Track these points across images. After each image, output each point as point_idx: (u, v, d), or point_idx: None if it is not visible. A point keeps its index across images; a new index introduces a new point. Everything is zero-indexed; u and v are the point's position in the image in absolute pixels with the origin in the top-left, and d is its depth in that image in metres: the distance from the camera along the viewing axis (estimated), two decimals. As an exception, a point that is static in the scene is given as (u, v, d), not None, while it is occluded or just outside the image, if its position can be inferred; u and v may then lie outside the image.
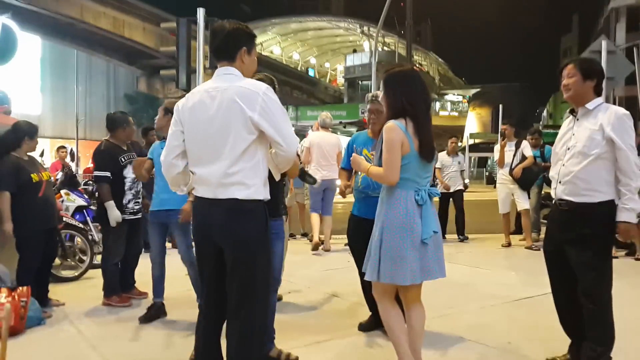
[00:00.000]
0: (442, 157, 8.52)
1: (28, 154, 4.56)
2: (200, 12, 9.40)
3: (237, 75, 2.52)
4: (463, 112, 57.45)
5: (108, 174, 4.69)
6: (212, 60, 9.55)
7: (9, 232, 4.22)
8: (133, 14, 23.66)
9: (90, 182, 7.57)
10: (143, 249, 5.30)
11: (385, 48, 43.41)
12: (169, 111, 4.34)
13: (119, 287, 4.84)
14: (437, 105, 55.76)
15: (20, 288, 3.99)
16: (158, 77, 26.19)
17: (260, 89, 2.44)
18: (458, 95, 59.13)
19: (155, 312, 4.30)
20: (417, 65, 49.70)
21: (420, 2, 24.88)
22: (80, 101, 30.90)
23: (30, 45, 27.67)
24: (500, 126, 9.38)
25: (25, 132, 4.49)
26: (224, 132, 2.42)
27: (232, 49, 2.54)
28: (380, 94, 2.91)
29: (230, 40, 2.55)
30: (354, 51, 49.48)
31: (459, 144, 8.82)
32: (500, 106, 26.63)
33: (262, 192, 2.49)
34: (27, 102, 26.03)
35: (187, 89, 9.71)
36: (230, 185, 2.42)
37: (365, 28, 43.18)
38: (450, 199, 8.36)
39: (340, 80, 56.01)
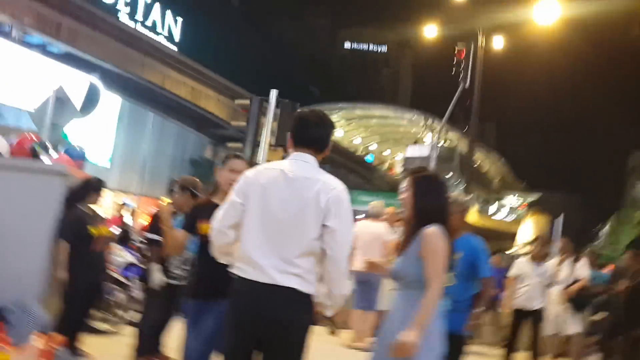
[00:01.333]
0: (522, 264, 6.68)
1: (92, 207, 4.84)
2: (273, 93, 9.99)
3: (314, 164, 2.56)
4: (519, 217, 56.04)
5: (159, 238, 4.88)
6: (279, 138, 10.08)
7: (63, 280, 4.41)
8: (210, 86, 25.17)
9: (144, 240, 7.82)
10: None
11: (447, 144, 43.65)
12: (186, 189, 4.61)
13: (152, 349, 4.89)
14: (493, 207, 54.75)
15: (56, 335, 4.10)
16: (224, 147, 27.32)
17: (339, 186, 2.49)
18: (518, 198, 57.98)
19: None
20: (477, 162, 49.55)
21: (487, 101, 25.21)
22: (147, 159, 32.40)
23: (111, 103, 29.51)
24: (559, 241, 8.83)
25: (93, 187, 4.80)
26: (296, 221, 2.41)
27: (328, 139, 2.68)
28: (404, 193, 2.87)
29: (330, 131, 2.72)
30: (415, 142, 49.96)
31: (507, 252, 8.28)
32: (561, 219, 25.85)
33: (315, 287, 2.48)
34: (100, 155, 27.52)
35: (252, 161, 10.15)
36: (291, 275, 2.39)
37: (429, 121, 43.81)
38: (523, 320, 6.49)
39: (399, 170, 56.32)
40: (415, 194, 2.82)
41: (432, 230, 2.71)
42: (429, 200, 2.80)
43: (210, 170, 37.44)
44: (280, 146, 10.13)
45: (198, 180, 4.97)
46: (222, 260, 2.71)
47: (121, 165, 35.26)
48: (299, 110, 10.47)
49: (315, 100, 46.07)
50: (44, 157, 4.84)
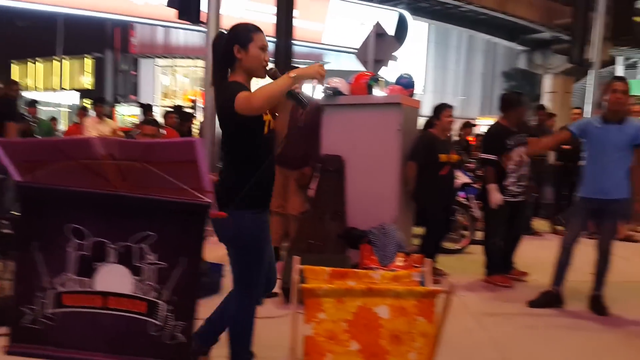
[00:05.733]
0: None
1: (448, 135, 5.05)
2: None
3: None
4: None
5: (494, 157, 4.75)
6: (617, 30, 8.65)
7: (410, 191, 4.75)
8: (518, -11, 23.18)
9: (473, 159, 7.84)
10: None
11: None
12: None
13: (501, 266, 4.90)
14: None
15: (415, 255, 4.42)
16: (539, 53, 25.11)
17: None
18: None
19: (549, 300, 4.18)
20: None
21: None
22: (459, 80, 32.41)
23: (419, 30, 30.02)
24: None
25: (435, 112, 4.94)
26: None
27: None
28: None
29: None
30: None
31: None
32: None
33: None
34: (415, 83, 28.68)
35: (580, 63, 9.01)
36: None
37: None
38: None
39: None
40: None
41: None
42: None
43: (524, 81, 35.37)
44: (618, 37, 8.67)
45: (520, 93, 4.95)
46: None
47: (434, 89, 36.19)
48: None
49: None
50: (378, 91, 5.13)
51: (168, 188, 1.60)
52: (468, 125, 9.23)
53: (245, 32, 2.39)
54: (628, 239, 6.88)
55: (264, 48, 2.39)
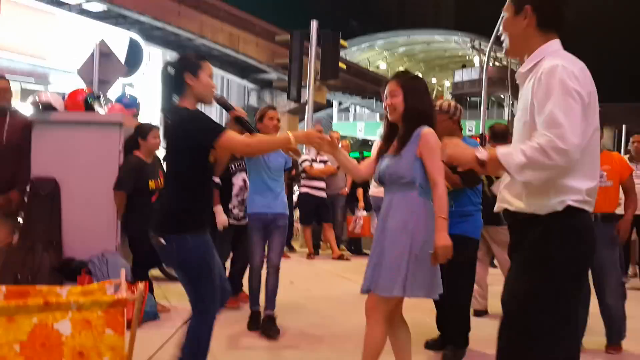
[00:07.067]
0: None
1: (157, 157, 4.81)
2: (314, 24, 9.68)
3: None
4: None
5: (218, 180, 4.87)
6: (324, 73, 9.90)
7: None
8: (248, 30, 24.80)
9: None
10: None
11: (497, 63, 42.02)
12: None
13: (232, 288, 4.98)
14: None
15: (140, 282, 4.19)
16: (268, 91, 27.15)
17: None
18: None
19: (255, 321, 4.34)
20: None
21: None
22: (196, 112, 32.97)
23: (153, 57, 29.54)
24: (632, 141, 6.71)
25: (139, 132, 4.60)
26: None
27: None
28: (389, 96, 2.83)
29: None
30: (463, 66, 48.33)
31: None
32: (624, 127, 24.62)
33: None
34: (152, 111, 28.11)
35: (298, 101, 10.01)
36: None
37: (477, 42, 42.08)
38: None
39: (447, 97, 54.81)
40: (406, 96, 2.80)
41: (430, 130, 2.75)
42: (419, 102, 2.82)
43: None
44: (326, 80, 9.93)
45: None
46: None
47: (171, 119, 35.91)
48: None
49: (355, 33, 44.94)
50: (97, 109, 4.83)
51: None
52: None
53: (194, 61, 2.69)
54: (341, 257, 7.74)
55: (211, 75, 2.71)
